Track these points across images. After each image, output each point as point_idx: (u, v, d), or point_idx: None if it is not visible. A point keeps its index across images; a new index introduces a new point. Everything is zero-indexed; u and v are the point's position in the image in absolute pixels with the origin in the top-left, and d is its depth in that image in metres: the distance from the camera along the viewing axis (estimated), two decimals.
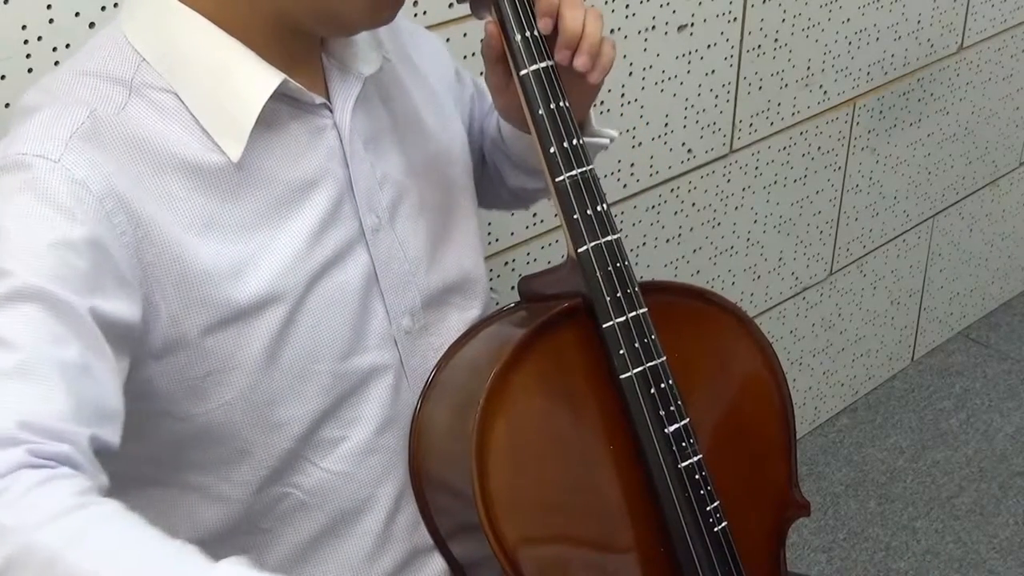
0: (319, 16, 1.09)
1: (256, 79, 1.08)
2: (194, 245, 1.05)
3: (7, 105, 1.30)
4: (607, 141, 1.32)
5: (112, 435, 0.95)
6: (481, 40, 1.20)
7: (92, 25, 1.34)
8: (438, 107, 1.29)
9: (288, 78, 1.09)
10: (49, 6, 1.30)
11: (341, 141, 1.14)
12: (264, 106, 1.08)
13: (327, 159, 1.14)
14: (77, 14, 1.33)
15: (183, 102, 1.07)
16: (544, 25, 1.15)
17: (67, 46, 1.32)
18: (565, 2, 1.16)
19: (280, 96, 1.09)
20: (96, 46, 1.10)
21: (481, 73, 1.74)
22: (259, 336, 1.09)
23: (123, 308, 1.00)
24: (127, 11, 1.11)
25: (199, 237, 1.05)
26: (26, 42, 1.30)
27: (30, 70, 1.31)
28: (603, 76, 1.19)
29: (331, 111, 1.14)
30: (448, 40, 1.68)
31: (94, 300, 0.97)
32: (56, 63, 1.32)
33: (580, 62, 1.16)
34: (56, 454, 0.88)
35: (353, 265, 1.15)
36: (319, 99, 1.13)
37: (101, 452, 0.93)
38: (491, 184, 1.42)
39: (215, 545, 1.14)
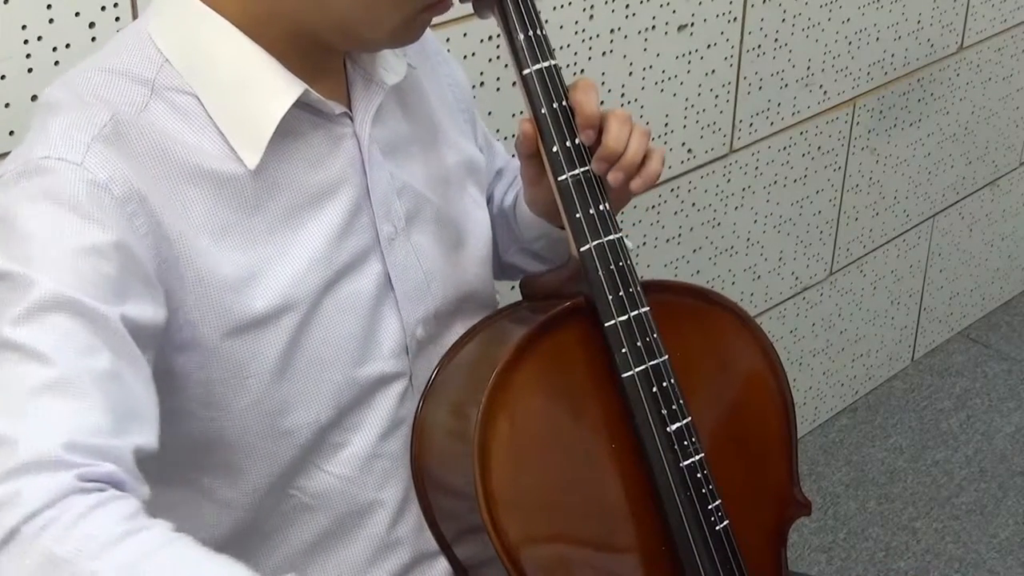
0: (341, 35, 1.07)
1: (277, 89, 1.06)
2: (210, 252, 1.04)
3: (7, 105, 1.30)
4: None
5: (151, 440, 0.95)
6: (516, 138, 1.19)
7: (92, 25, 1.33)
8: (456, 118, 1.28)
9: (309, 88, 1.07)
10: (49, 6, 1.30)
11: (360, 150, 1.13)
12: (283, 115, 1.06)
13: (345, 168, 1.12)
14: (77, 14, 1.32)
15: (203, 105, 1.06)
16: (587, 137, 1.15)
17: (67, 46, 1.32)
18: (614, 116, 1.16)
19: (300, 104, 1.08)
20: (121, 43, 1.09)
21: (482, 73, 1.75)
22: (273, 344, 1.08)
23: (150, 310, 1.00)
24: (154, 8, 1.09)
25: (215, 245, 1.05)
26: (26, 42, 1.30)
27: (30, 70, 1.30)
28: (644, 188, 1.18)
29: (351, 119, 1.13)
30: (448, 40, 1.67)
31: (123, 306, 0.96)
32: (56, 63, 1.32)
33: (613, 177, 1.15)
34: (103, 475, 0.88)
35: (367, 274, 1.14)
36: (340, 109, 1.11)
37: (144, 458, 0.93)
38: None
39: (216, 546, 1.15)
